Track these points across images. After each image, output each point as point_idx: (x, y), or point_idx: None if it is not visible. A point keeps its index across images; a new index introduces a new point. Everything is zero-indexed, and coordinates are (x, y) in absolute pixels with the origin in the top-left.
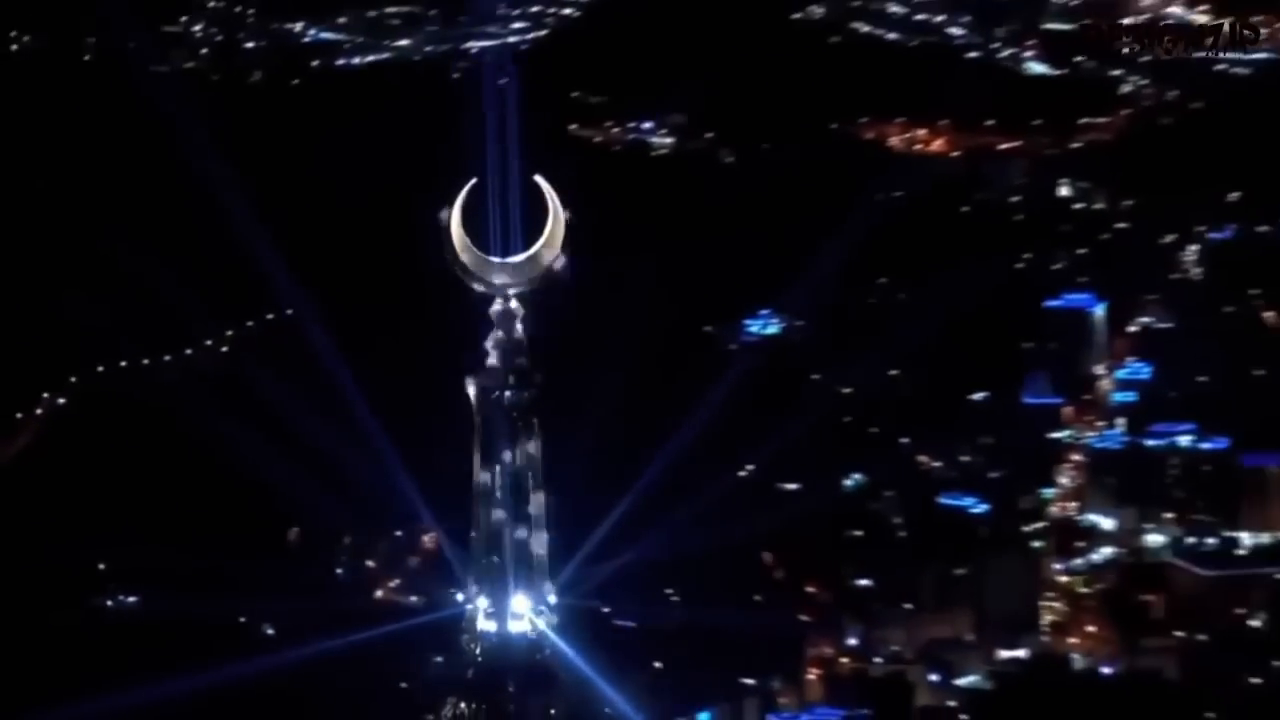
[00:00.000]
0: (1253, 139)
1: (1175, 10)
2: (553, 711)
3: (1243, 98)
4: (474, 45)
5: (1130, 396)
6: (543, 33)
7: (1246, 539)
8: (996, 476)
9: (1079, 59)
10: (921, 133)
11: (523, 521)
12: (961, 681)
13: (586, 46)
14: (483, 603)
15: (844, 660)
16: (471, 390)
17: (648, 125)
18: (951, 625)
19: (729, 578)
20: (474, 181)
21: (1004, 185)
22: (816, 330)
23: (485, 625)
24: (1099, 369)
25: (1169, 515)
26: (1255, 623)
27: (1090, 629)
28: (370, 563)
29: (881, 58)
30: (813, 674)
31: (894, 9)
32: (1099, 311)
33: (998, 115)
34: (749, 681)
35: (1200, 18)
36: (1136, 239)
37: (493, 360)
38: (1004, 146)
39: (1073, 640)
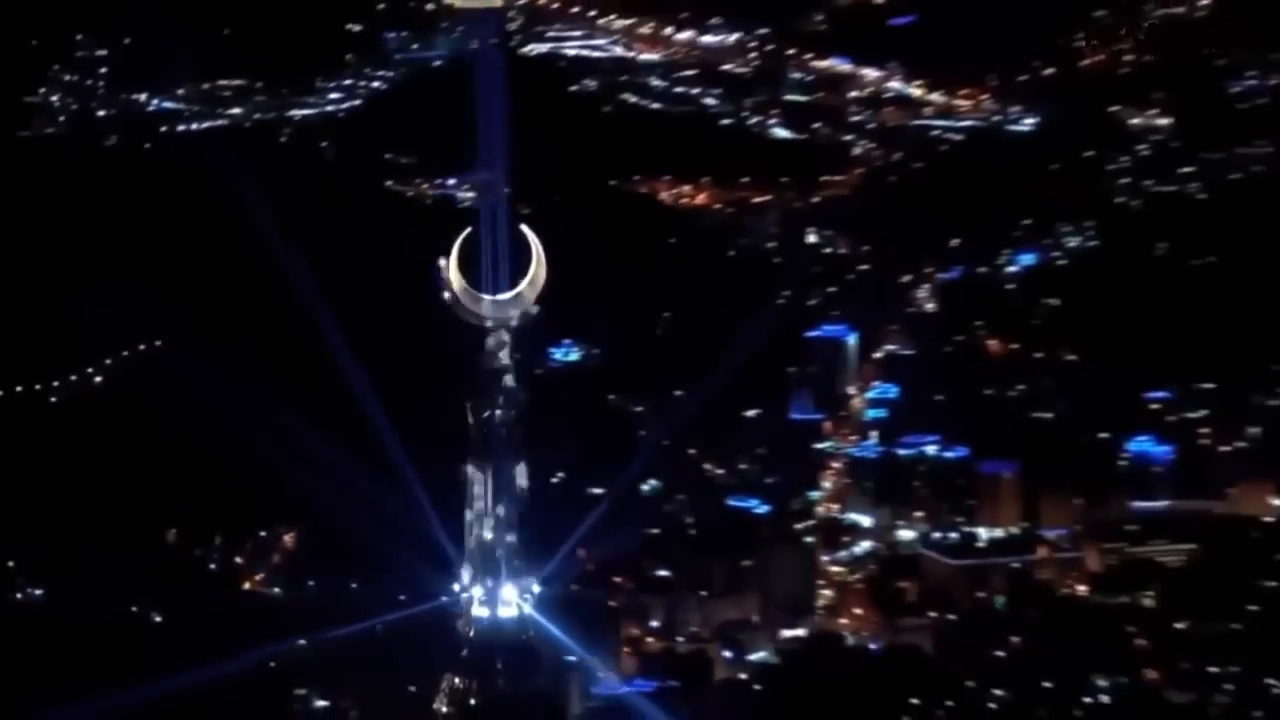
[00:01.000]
0: (967, 193)
1: (895, 85)
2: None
3: (956, 158)
4: (296, 113)
5: (881, 413)
6: (357, 103)
7: (984, 533)
8: (771, 481)
9: (816, 125)
10: (687, 189)
11: (510, 522)
12: (752, 657)
13: (396, 115)
14: (477, 592)
15: (650, 640)
16: (469, 410)
17: (452, 182)
18: (741, 609)
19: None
20: (468, 231)
21: (761, 234)
22: (611, 357)
23: (479, 612)
24: (852, 389)
25: (918, 513)
26: (996, 603)
27: (857, 611)
28: (238, 559)
29: (649, 124)
30: (627, 650)
31: (656, 83)
32: (851, 340)
33: (750, 173)
34: (572, 659)
35: (916, 91)
36: (877, 279)
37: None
38: (757, 200)
39: (843, 621)
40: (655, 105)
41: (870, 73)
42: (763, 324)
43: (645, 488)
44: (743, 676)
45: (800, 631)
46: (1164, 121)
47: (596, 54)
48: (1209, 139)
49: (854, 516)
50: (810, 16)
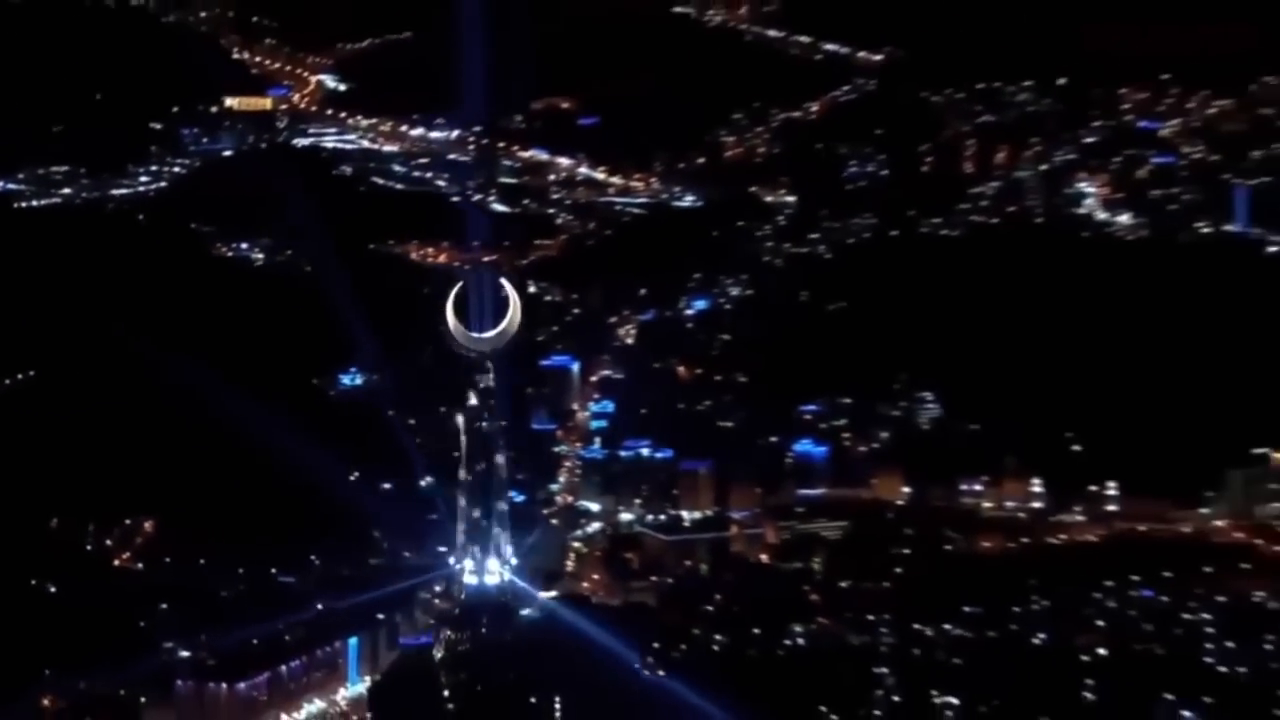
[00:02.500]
0: (649, 253)
1: (584, 170)
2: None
3: (638, 226)
4: (115, 192)
5: (601, 423)
6: (163, 184)
7: (687, 516)
8: (521, 478)
9: (525, 201)
10: (430, 250)
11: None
12: (524, 611)
13: (199, 190)
14: (468, 564)
15: (437, 601)
16: (460, 421)
17: (245, 245)
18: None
19: None
20: (460, 284)
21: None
22: (389, 380)
23: (469, 579)
24: (577, 405)
25: (636, 500)
26: (701, 570)
27: (595, 577)
28: (108, 541)
29: (396, 200)
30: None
31: (398, 168)
32: (574, 368)
33: (478, 238)
34: (380, 616)
35: (600, 175)
36: (589, 320)
37: (473, 400)
38: (486, 259)
39: (586, 584)
40: (399, 186)
41: (564, 160)
42: (505, 356)
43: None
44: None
45: (554, 592)
46: (791, 198)
47: (349, 146)
48: (827, 212)
49: (586, 504)
50: (513, 117)
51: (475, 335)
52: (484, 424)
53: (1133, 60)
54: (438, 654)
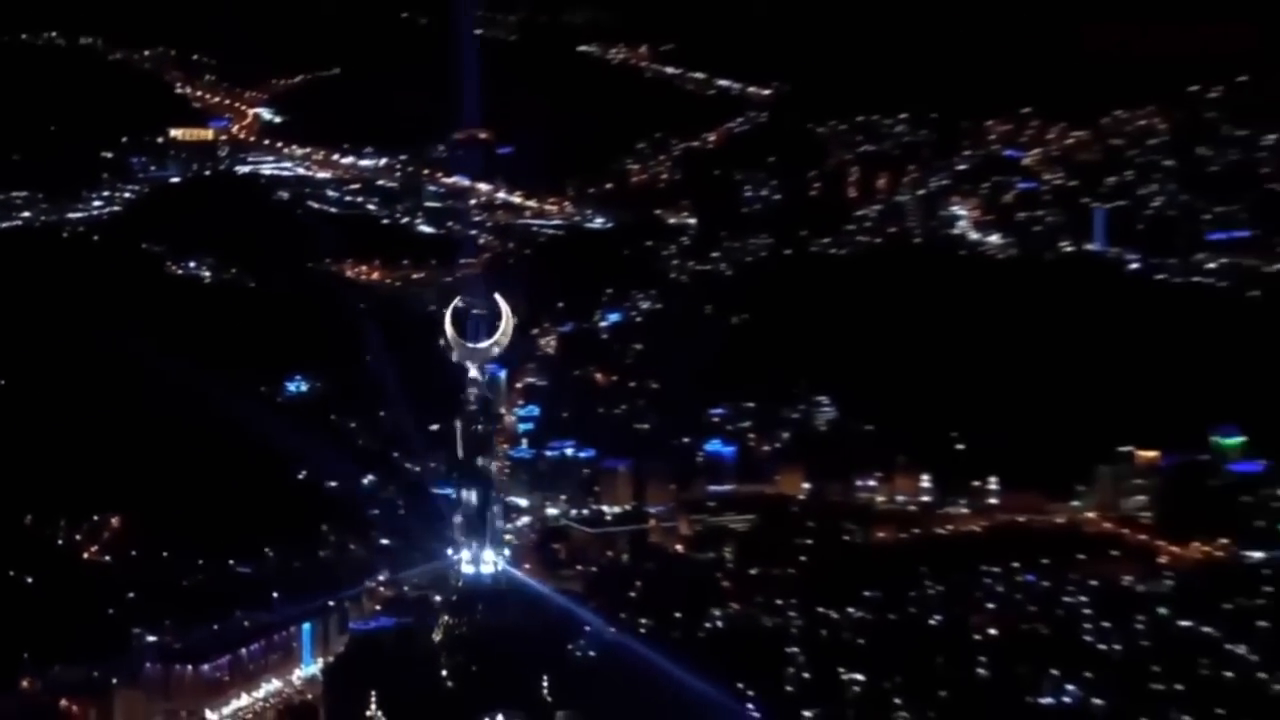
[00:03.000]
0: (566, 271)
1: (502, 195)
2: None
3: (554, 246)
4: (72, 215)
5: (529, 426)
6: (116, 208)
7: (608, 510)
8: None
9: (450, 223)
10: (364, 268)
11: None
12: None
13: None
14: (465, 555)
15: (384, 589)
16: (458, 424)
17: (193, 264)
18: (444, 564)
19: None
20: (457, 301)
21: (427, 302)
22: (334, 388)
23: (466, 569)
24: (505, 410)
25: (562, 497)
26: (622, 559)
27: (527, 565)
28: (78, 537)
29: (331, 223)
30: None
31: (332, 194)
32: (502, 375)
33: (410, 258)
34: (331, 603)
35: (517, 199)
36: (516, 332)
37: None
38: (415, 276)
39: (519, 573)
40: (333, 209)
41: (483, 186)
42: (439, 368)
43: (364, 483)
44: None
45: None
46: (692, 220)
47: (285, 173)
48: (726, 233)
49: (514, 499)
50: (436, 146)
51: (471, 346)
52: (479, 427)
53: (998, 95)
54: (437, 637)
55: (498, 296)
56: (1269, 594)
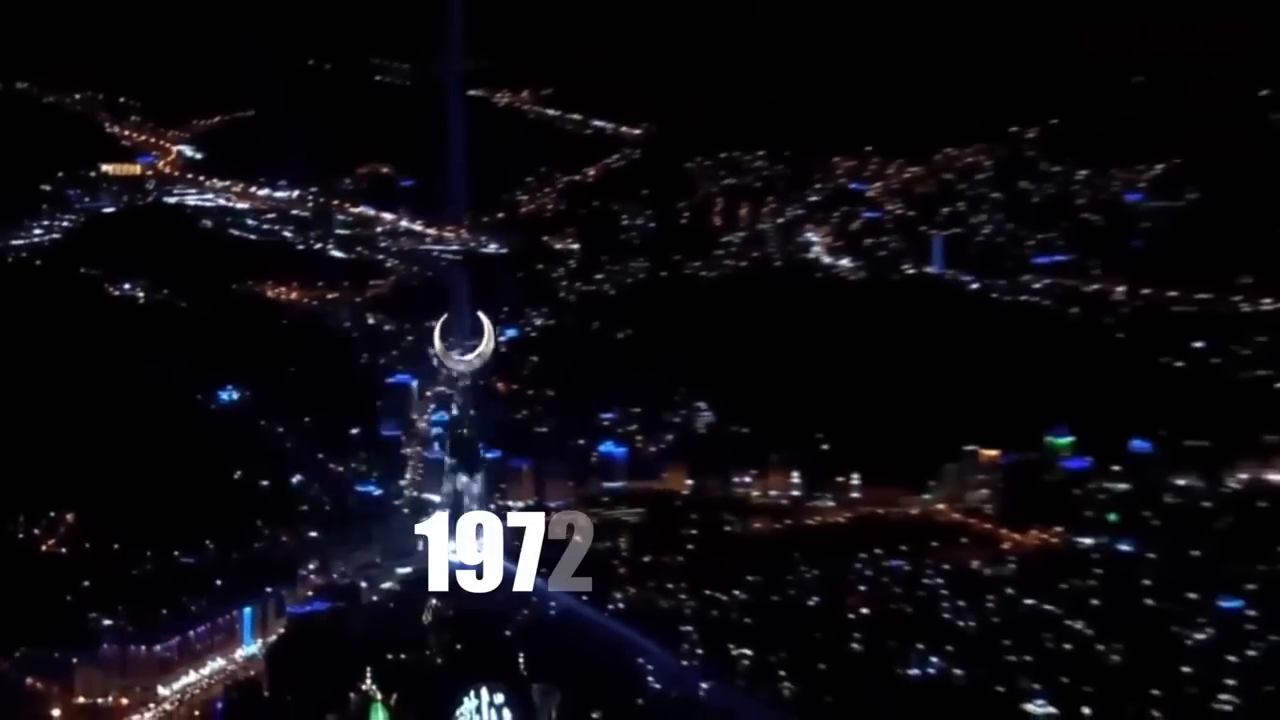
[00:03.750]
0: (482, 290)
1: (404, 223)
2: None
3: (453, 270)
4: (15, 243)
5: (439, 430)
6: (57, 235)
7: (514, 505)
8: (377, 475)
9: (359, 249)
10: (284, 289)
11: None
12: (383, 584)
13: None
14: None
15: (314, 577)
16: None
17: (128, 286)
18: (369, 554)
19: None
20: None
21: (342, 319)
22: (261, 399)
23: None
24: (417, 416)
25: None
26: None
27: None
28: (36, 531)
29: (250, 249)
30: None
31: (251, 222)
32: (413, 384)
33: (326, 280)
34: (269, 590)
35: (418, 227)
36: (419, 346)
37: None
38: (330, 296)
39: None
40: (252, 236)
41: (387, 215)
42: (360, 375)
43: (295, 480)
44: (375, 598)
45: (409, 569)
46: (576, 246)
47: (208, 204)
48: (608, 257)
49: (429, 496)
50: (343, 179)
51: (456, 357)
52: (464, 430)
53: (844, 135)
54: (426, 618)
55: (481, 315)
56: (1099, 575)
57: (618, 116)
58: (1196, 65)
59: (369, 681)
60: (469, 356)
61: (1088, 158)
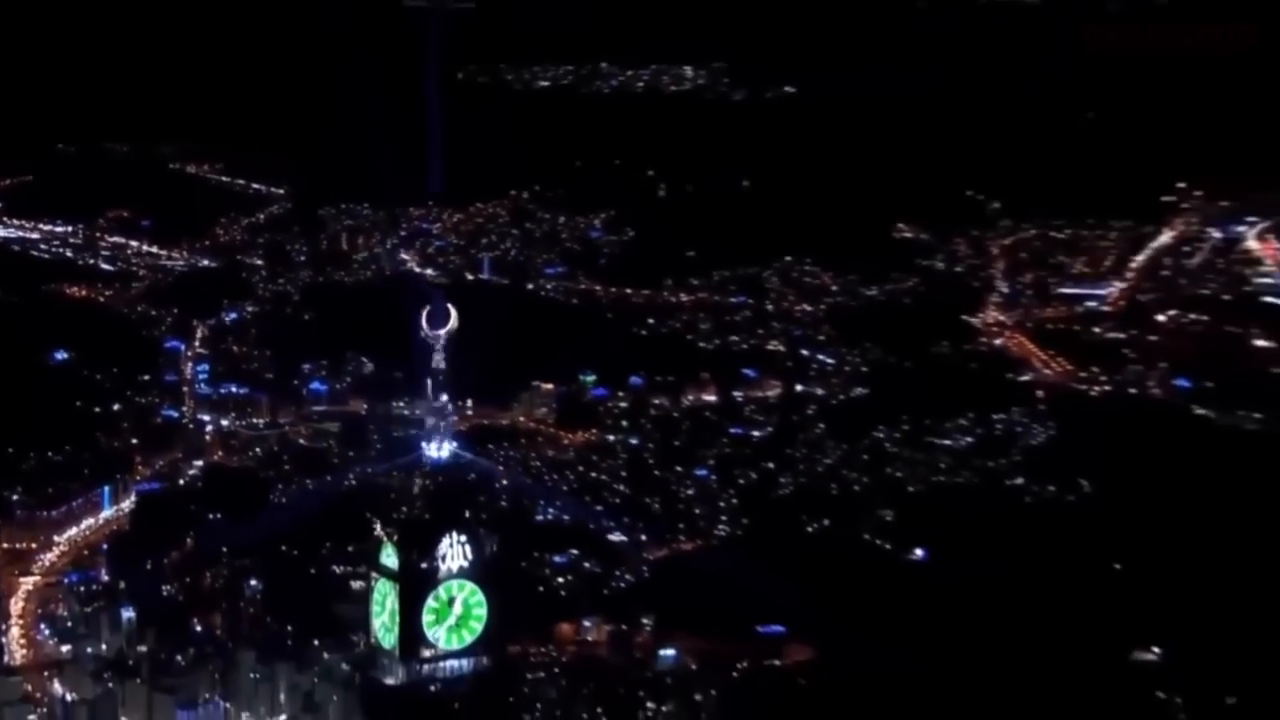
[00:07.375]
0: (192, 296)
1: (146, 248)
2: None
3: (182, 280)
4: None
5: (205, 377)
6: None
7: (259, 421)
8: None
9: (119, 263)
10: (76, 289)
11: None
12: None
13: None
14: (431, 449)
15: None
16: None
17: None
18: None
19: None
20: (428, 307)
21: (120, 308)
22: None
23: (431, 454)
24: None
25: (231, 415)
26: (274, 449)
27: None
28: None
29: (56, 266)
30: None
31: (44, 246)
32: (182, 347)
33: (103, 283)
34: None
35: (156, 249)
36: (172, 329)
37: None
38: (108, 294)
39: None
40: (47, 257)
41: (134, 243)
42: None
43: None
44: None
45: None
46: (261, 262)
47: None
48: (285, 268)
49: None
50: (106, 213)
51: (433, 333)
52: (441, 379)
53: (414, 195)
54: (414, 489)
55: (448, 304)
56: (622, 458)
57: (269, 180)
58: None
59: (378, 529)
60: (442, 332)
61: (563, 208)
